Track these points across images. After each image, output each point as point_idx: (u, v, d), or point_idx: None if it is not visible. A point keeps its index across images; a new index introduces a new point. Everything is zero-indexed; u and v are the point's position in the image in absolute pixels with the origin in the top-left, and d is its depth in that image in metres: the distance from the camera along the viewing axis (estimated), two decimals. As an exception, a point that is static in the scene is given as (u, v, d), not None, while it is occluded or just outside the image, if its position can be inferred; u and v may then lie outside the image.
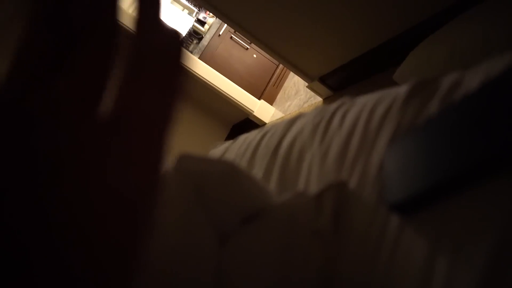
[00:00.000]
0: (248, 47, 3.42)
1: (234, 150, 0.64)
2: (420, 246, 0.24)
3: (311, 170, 0.41)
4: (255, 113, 3.09)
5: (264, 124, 3.12)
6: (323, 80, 2.15)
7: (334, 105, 0.49)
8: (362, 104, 0.42)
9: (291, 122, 0.56)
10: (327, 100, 2.27)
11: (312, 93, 2.40)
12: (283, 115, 2.89)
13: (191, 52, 3.44)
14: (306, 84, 2.29)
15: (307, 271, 0.29)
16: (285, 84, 3.33)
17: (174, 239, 0.28)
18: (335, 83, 2.15)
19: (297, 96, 2.83)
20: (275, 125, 0.61)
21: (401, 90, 0.37)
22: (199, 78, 3.00)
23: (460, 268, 0.21)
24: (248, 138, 0.63)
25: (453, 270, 0.22)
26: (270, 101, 3.27)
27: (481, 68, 0.31)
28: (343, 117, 0.43)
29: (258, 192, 0.36)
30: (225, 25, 3.36)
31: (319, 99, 2.36)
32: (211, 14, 3.64)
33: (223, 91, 3.03)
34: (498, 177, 0.23)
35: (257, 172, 0.51)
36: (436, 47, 1.08)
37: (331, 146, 0.40)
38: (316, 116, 0.50)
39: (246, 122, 3.25)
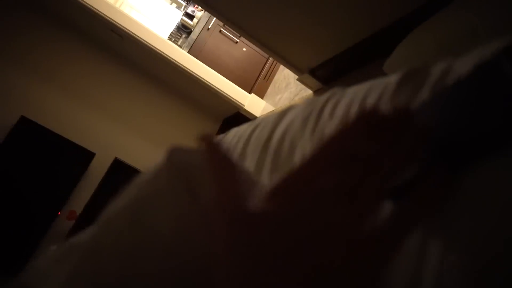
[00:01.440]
0: (238, 40, 3.40)
1: (225, 144, 0.64)
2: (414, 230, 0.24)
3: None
4: (245, 107, 3.08)
5: (255, 117, 3.12)
6: (313, 72, 2.15)
7: (324, 96, 0.49)
8: (353, 94, 0.42)
9: (282, 114, 0.56)
10: (317, 92, 2.27)
11: (303, 86, 2.40)
12: (273, 108, 2.88)
13: (180, 47, 3.41)
14: (297, 77, 2.29)
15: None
16: (276, 77, 3.32)
17: (168, 231, 0.27)
18: (325, 75, 2.15)
19: (287, 89, 2.83)
20: (266, 118, 0.60)
21: (392, 79, 0.37)
22: (188, 72, 2.97)
23: (453, 245, 0.22)
24: (239, 131, 0.63)
25: (446, 248, 0.22)
26: (261, 94, 3.26)
27: (471, 55, 0.31)
28: (334, 107, 0.43)
29: (249, 184, 0.35)
30: (214, 18, 3.33)
31: (309, 92, 2.36)
32: (199, 7, 3.60)
33: (213, 85, 3.01)
34: (490, 161, 0.23)
35: (249, 165, 0.50)
36: (424, 38, 1.08)
37: (323, 137, 0.40)
38: (307, 107, 0.50)
39: (237, 116, 3.24)
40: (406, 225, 0.21)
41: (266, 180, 0.45)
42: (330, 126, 0.41)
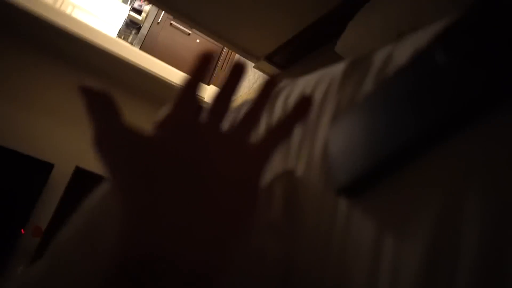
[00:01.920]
0: (190, 32, 3.32)
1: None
2: (368, 227, 0.24)
3: None
4: (206, 99, 3.04)
5: (216, 109, 3.08)
6: (269, 58, 2.14)
7: (275, 89, 0.48)
8: (302, 86, 0.42)
9: (237, 110, 0.55)
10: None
11: (261, 73, 2.39)
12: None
13: (131, 44, 3.28)
14: (253, 64, 2.27)
15: (266, 265, 0.29)
16: (233, 66, 3.29)
17: None
18: (282, 60, 2.15)
19: (245, 77, 2.82)
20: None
21: (337, 69, 0.37)
22: (142, 70, 2.88)
23: (406, 246, 0.22)
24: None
25: (399, 248, 0.22)
26: (220, 85, 3.23)
27: (409, 41, 0.31)
28: (286, 101, 0.43)
29: None
30: (163, 11, 3.23)
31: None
32: (146, 1, 3.48)
33: (170, 80, 2.94)
34: (434, 151, 0.23)
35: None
36: (371, 17, 1.10)
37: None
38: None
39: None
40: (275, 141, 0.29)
41: None
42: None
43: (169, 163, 0.24)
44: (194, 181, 0.24)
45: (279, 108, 0.43)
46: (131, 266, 0.21)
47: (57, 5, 3.19)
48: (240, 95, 2.73)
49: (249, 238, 0.27)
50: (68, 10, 3.29)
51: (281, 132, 0.29)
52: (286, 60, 2.14)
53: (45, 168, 2.78)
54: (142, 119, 3.31)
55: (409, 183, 0.24)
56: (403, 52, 0.30)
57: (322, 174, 0.30)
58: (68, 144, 3.03)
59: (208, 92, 3.06)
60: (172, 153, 0.25)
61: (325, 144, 0.32)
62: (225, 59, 3.35)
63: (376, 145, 0.26)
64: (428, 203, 0.22)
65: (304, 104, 0.30)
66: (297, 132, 0.37)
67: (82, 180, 2.77)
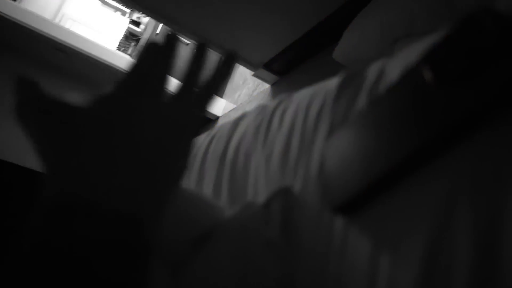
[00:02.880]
0: (189, 42, 3.34)
1: None
2: (364, 246, 0.25)
3: (258, 176, 0.41)
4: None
5: (217, 118, 3.09)
6: (267, 66, 2.15)
7: (273, 104, 0.49)
8: (298, 101, 0.42)
9: (235, 124, 0.55)
10: (274, 85, 2.28)
11: (260, 80, 2.40)
12: (234, 105, 2.87)
13: (131, 56, 3.31)
14: (252, 72, 2.28)
15: (265, 284, 0.29)
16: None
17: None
18: (280, 67, 2.16)
19: (245, 85, 2.82)
20: (222, 126, 0.60)
21: (332, 85, 0.37)
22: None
23: (400, 264, 0.22)
24: (197, 143, 0.62)
25: (394, 267, 0.22)
26: (219, 93, 3.24)
27: (400, 57, 0.32)
28: (282, 116, 0.43)
29: (206, 211, 0.35)
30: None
31: (267, 85, 2.37)
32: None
33: (171, 91, 2.95)
34: (425, 168, 0.23)
35: (208, 182, 0.50)
36: (367, 23, 1.11)
37: (274, 149, 0.40)
38: (257, 116, 0.50)
39: (199, 119, 3.20)
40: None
41: (226, 195, 0.45)
42: (279, 136, 0.41)
43: (97, 126, 0.26)
44: (122, 141, 0.26)
45: (275, 125, 0.44)
46: (59, 212, 0.22)
47: (56, 20, 3.22)
48: (241, 104, 2.74)
49: (179, 185, 0.29)
50: (68, 25, 3.32)
51: (209, 90, 0.33)
52: (285, 66, 2.15)
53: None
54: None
55: (403, 201, 0.24)
56: (394, 68, 0.31)
57: (318, 192, 0.31)
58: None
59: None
60: (101, 119, 0.27)
61: (320, 161, 0.32)
62: (224, 67, 3.36)
63: (370, 163, 0.26)
64: (421, 221, 0.22)
65: (228, 61, 0.34)
66: (294, 148, 0.37)
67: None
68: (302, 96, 0.43)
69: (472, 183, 0.20)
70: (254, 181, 0.40)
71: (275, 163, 0.38)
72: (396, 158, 0.24)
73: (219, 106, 3.09)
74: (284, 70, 2.18)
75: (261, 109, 0.51)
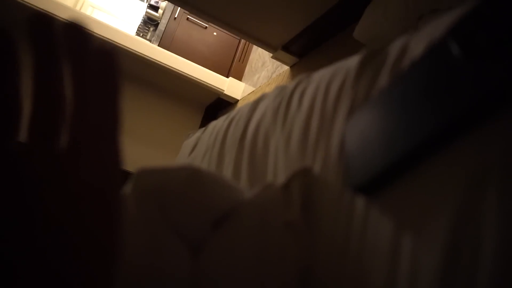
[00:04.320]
0: (207, 25, 3.32)
1: (205, 141, 0.63)
2: (386, 226, 0.24)
3: (277, 157, 0.40)
4: (225, 92, 3.05)
5: (236, 101, 3.09)
6: (286, 48, 2.12)
7: (292, 85, 0.48)
8: (318, 81, 0.41)
9: (254, 105, 0.55)
10: (294, 67, 2.25)
11: (279, 63, 2.37)
12: (253, 88, 2.86)
13: (150, 41, 3.32)
14: (271, 54, 2.25)
15: (284, 265, 0.29)
16: (251, 57, 3.27)
17: (143, 262, 0.27)
18: (299, 48, 2.12)
19: (264, 67, 2.80)
20: (240, 109, 0.60)
21: (352, 63, 0.36)
22: (162, 66, 2.91)
23: (424, 245, 0.22)
24: (217, 126, 0.62)
25: (418, 247, 0.22)
26: (239, 76, 3.22)
27: (425, 31, 0.30)
28: (301, 97, 0.42)
29: (226, 192, 0.35)
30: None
31: (286, 67, 2.34)
32: (162, -3, 3.50)
33: (190, 75, 2.96)
34: (451, 147, 0.23)
35: (228, 165, 0.50)
36: (390, 0, 1.07)
37: (293, 130, 0.40)
38: (276, 97, 0.49)
39: (219, 102, 3.20)
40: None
41: (245, 176, 0.45)
42: (299, 117, 0.40)
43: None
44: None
45: (294, 106, 0.43)
46: None
47: (78, 7, 3.25)
48: (259, 87, 2.72)
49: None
50: (88, 12, 3.35)
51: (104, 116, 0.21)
52: (304, 48, 2.11)
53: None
54: (164, 114, 3.37)
55: (427, 180, 0.23)
56: (418, 44, 0.29)
57: (339, 172, 0.30)
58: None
59: (227, 84, 3.06)
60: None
61: (341, 140, 0.32)
62: (242, 50, 3.34)
63: (393, 142, 0.25)
64: (446, 201, 0.21)
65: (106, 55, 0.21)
66: (314, 127, 0.37)
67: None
68: (321, 75, 0.42)
69: (502, 161, 0.20)
70: (274, 162, 0.40)
71: (295, 144, 0.38)
72: (420, 136, 0.23)
73: (238, 89, 3.08)
74: (303, 51, 2.14)
75: (280, 90, 0.51)
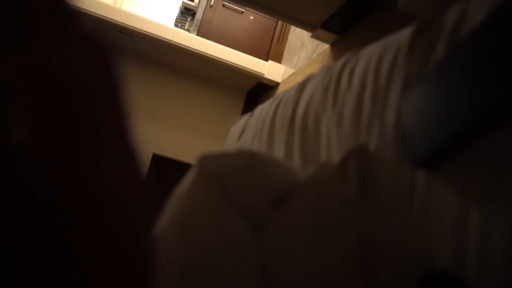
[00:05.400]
0: (243, 10, 3.31)
1: (252, 125, 0.64)
2: (451, 199, 0.24)
3: (330, 137, 0.41)
4: (266, 76, 3.04)
5: (277, 84, 3.07)
6: (325, 26, 2.07)
7: (339, 63, 0.47)
8: (367, 58, 0.41)
9: (301, 87, 0.55)
10: (334, 45, 2.19)
11: (319, 42, 2.32)
12: (294, 70, 2.83)
13: (188, 31, 3.37)
14: (310, 34, 2.21)
15: (345, 243, 0.30)
16: (289, 38, 3.23)
17: (211, 244, 0.29)
18: (338, 25, 2.06)
19: (303, 48, 2.75)
20: (286, 92, 0.60)
21: (404, 36, 0.35)
22: (202, 55, 2.96)
23: (494, 215, 0.21)
24: (264, 110, 0.63)
25: (487, 218, 0.21)
26: (278, 59, 3.20)
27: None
28: (351, 75, 0.42)
29: (283, 173, 0.36)
30: (214, -7, 3.26)
31: (326, 46, 2.28)
32: (197, -14, 3.52)
33: (230, 61, 2.98)
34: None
35: (279, 147, 0.51)
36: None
37: (345, 109, 0.40)
38: (324, 78, 0.49)
39: (260, 86, 3.21)
40: None
41: (298, 158, 0.46)
42: (350, 96, 0.40)
43: None
44: None
45: (344, 85, 0.43)
46: None
47: (118, 4, 3.36)
48: (300, 68, 2.69)
49: None
50: (128, 8, 3.46)
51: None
52: (344, 24, 2.05)
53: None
54: (207, 103, 3.44)
55: (491, 151, 0.23)
56: (478, 10, 0.28)
57: (396, 147, 0.30)
58: (141, 134, 3.26)
59: (267, 68, 3.05)
60: None
61: (397, 115, 0.31)
62: (280, 32, 3.30)
63: (452, 114, 0.25)
64: None
65: None
66: (367, 106, 0.36)
67: (161, 166, 2.97)
68: (370, 51, 0.42)
69: None
70: (326, 143, 0.41)
71: (347, 123, 0.38)
72: (481, 109, 0.23)
73: (278, 72, 3.06)
74: (343, 28, 2.08)
75: (327, 70, 0.50)
